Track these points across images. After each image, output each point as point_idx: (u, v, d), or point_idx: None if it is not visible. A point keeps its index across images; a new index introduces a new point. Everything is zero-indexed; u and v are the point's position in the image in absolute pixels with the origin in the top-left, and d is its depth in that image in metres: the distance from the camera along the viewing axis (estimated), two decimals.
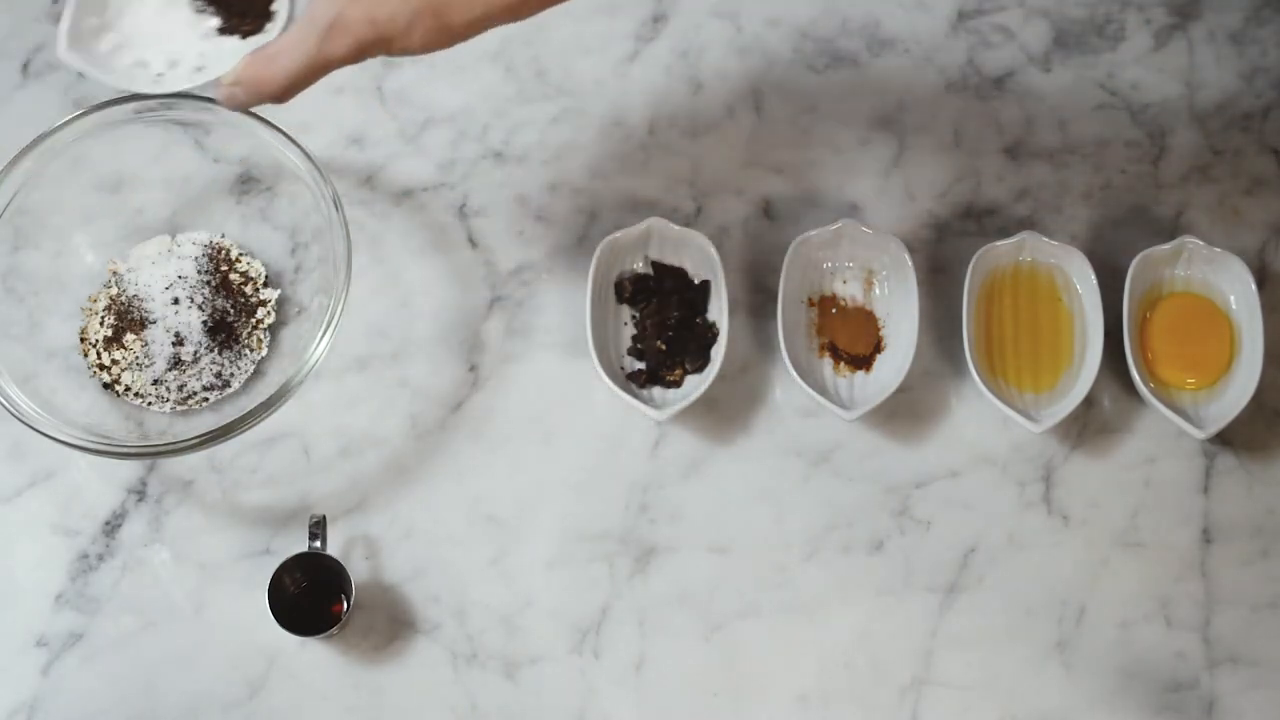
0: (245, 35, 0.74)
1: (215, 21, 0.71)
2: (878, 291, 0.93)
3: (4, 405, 0.84)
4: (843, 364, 0.92)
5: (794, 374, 0.89)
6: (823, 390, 0.90)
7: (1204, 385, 0.91)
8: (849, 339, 0.92)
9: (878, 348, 0.92)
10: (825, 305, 0.93)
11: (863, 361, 0.92)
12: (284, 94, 0.72)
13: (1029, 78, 1.00)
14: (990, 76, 1.00)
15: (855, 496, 0.90)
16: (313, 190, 0.88)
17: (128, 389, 0.91)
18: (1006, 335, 0.93)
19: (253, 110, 0.88)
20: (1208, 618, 0.88)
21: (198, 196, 0.95)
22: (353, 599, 0.84)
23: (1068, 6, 1.02)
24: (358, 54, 0.70)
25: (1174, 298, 0.93)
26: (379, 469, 0.90)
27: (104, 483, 0.90)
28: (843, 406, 0.88)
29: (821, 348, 0.92)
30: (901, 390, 0.89)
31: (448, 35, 0.70)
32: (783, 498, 0.90)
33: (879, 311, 0.93)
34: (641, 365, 0.92)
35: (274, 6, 0.72)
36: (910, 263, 0.91)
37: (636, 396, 0.89)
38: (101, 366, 0.91)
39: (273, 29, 0.80)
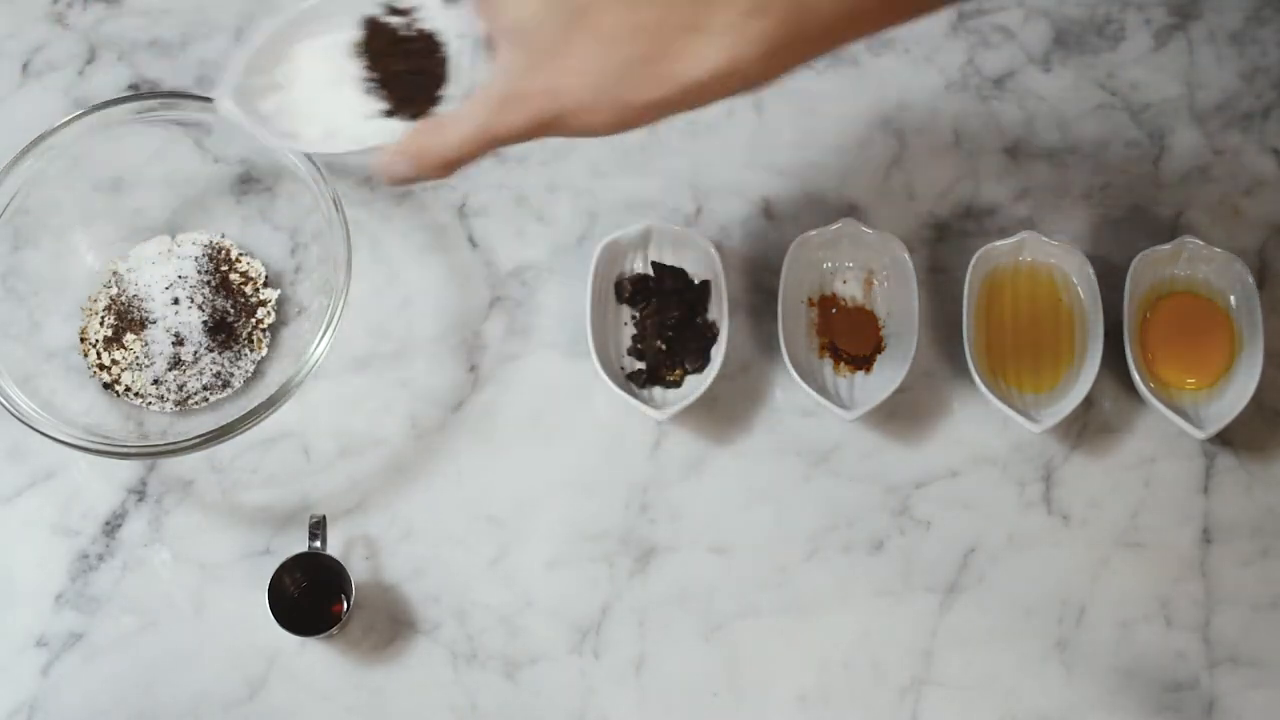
0: (412, 118, 0.70)
1: (382, 105, 0.68)
2: (878, 291, 0.93)
3: (4, 405, 0.85)
4: (843, 364, 0.92)
5: (794, 374, 0.89)
6: (823, 390, 0.90)
7: (1204, 385, 0.91)
8: (849, 339, 0.92)
9: (878, 348, 0.92)
10: (825, 305, 0.93)
11: (863, 361, 0.92)
12: (447, 167, 0.66)
13: (1029, 78, 1.00)
14: (990, 76, 1.00)
15: (855, 496, 0.90)
16: (313, 190, 0.88)
17: (128, 389, 0.91)
18: (1006, 335, 0.93)
19: None
20: (1208, 618, 0.88)
21: (198, 196, 0.95)
22: (353, 599, 0.84)
23: (1068, 6, 1.02)
24: (532, 129, 0.63)
25: (1174, 298, 0.93)
26: (379, 469, 0.90)
27: (104, 483, 0.90)
28: (843, 406, 0.88)
29: (821, 348, 0.92)
30: (901, 390, 0.89)
31: (631, 116, 0.63)
32: (783, 498, 0.90)
33: (879, 311, 0.93)
34: (641, 365, 0.92)
35: (442, 92, 0.69)
36: (910, 263, 0.91)
37: (636, 396, 0.89)
38: (101, 366, 0.91)
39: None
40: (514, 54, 0.63)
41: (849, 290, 0.94)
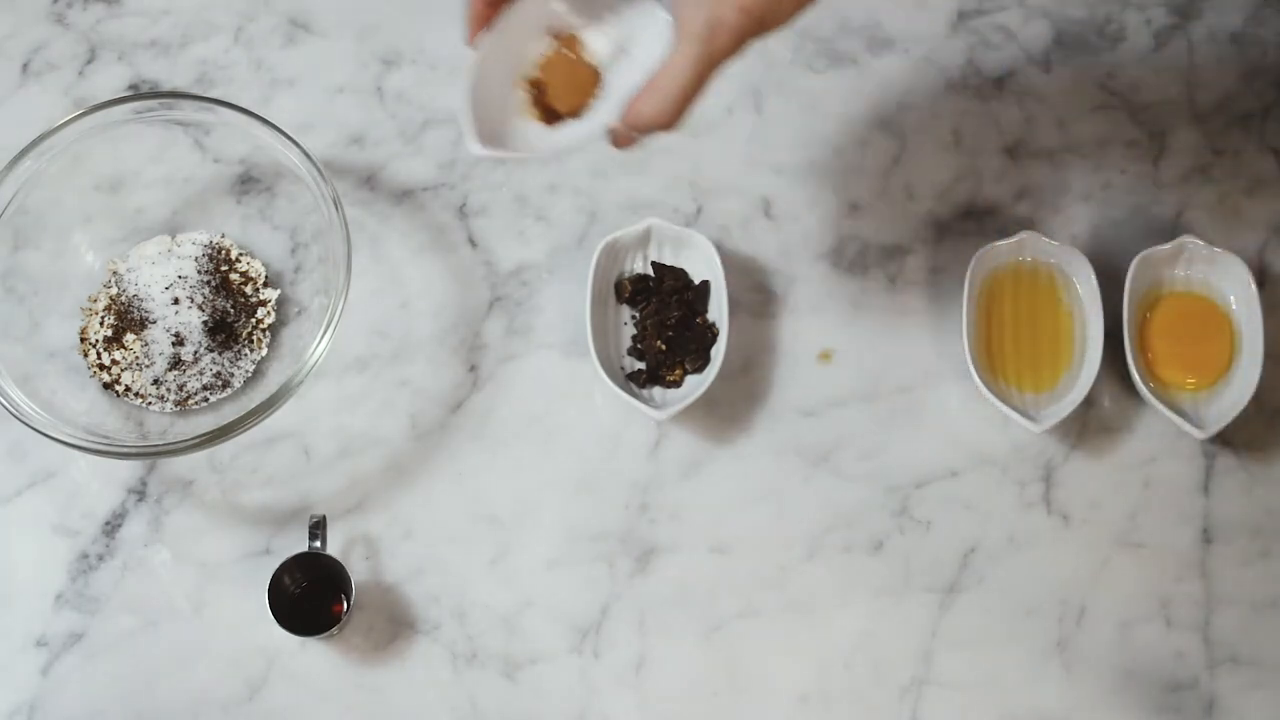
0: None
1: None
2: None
3: (4, 405, 0.85)
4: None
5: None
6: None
7: (1204, 385, 0.91)
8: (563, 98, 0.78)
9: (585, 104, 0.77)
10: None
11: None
12: (675, 118, 0.70)
13: (1029, 78, 1.00)
14: (990, 76, 1.00)
15: (855, 496, 0.90)
16: (313, 190, 0.88)
17: (128, 389, 0.91)
18: (1006, 335, 0.93)
19: (253, 111, 0.89)
20: (1208, 618, 0.88)
21: (198, 196, 0.96)
22: (353, 599, 0.84)
23: (1068, 6, 1.02)
24: (738, 45, 0.69)
25: (1174, 298, 0.93)
26: (379, 469, 0.90)
27: (104, 483, 0.90)
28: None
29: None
30: (901, 390, 0.89)
31: None
32: (783, 498, 0.90)
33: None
34: (641, 365, 0.92)
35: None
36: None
37: (636, 396, 0.89)
38: (101, 366, 0.91)
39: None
40: None
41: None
